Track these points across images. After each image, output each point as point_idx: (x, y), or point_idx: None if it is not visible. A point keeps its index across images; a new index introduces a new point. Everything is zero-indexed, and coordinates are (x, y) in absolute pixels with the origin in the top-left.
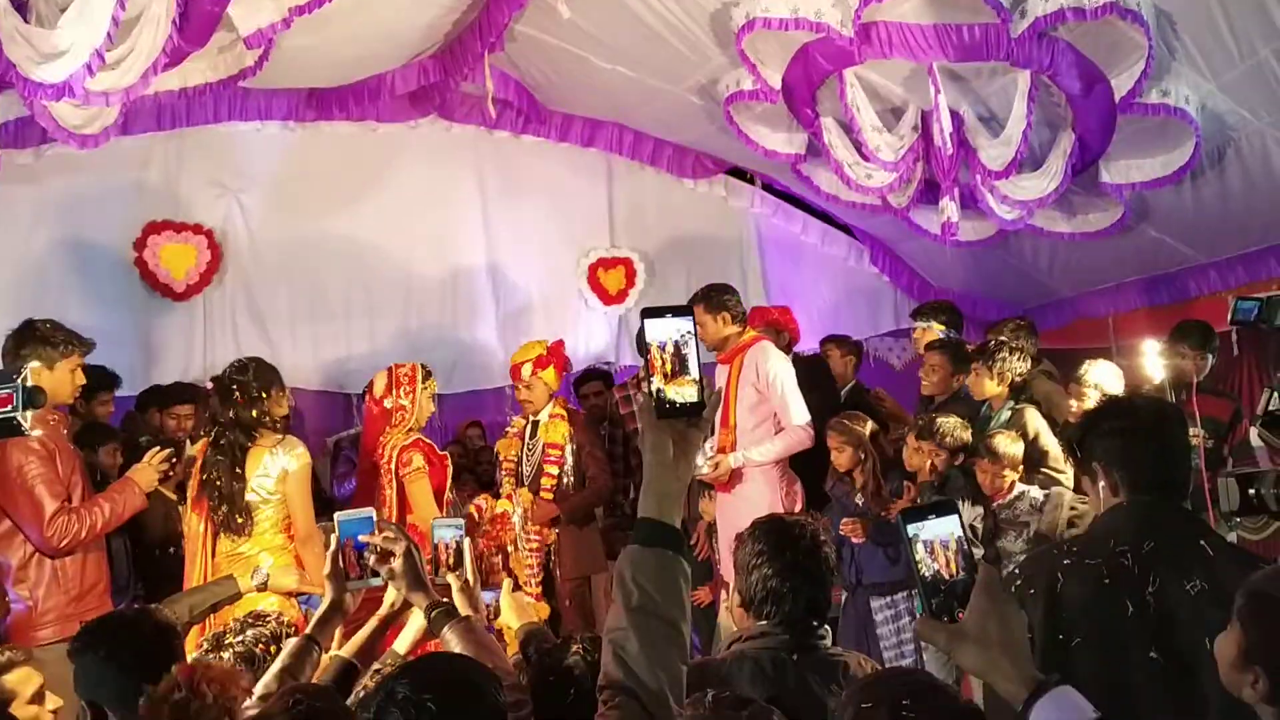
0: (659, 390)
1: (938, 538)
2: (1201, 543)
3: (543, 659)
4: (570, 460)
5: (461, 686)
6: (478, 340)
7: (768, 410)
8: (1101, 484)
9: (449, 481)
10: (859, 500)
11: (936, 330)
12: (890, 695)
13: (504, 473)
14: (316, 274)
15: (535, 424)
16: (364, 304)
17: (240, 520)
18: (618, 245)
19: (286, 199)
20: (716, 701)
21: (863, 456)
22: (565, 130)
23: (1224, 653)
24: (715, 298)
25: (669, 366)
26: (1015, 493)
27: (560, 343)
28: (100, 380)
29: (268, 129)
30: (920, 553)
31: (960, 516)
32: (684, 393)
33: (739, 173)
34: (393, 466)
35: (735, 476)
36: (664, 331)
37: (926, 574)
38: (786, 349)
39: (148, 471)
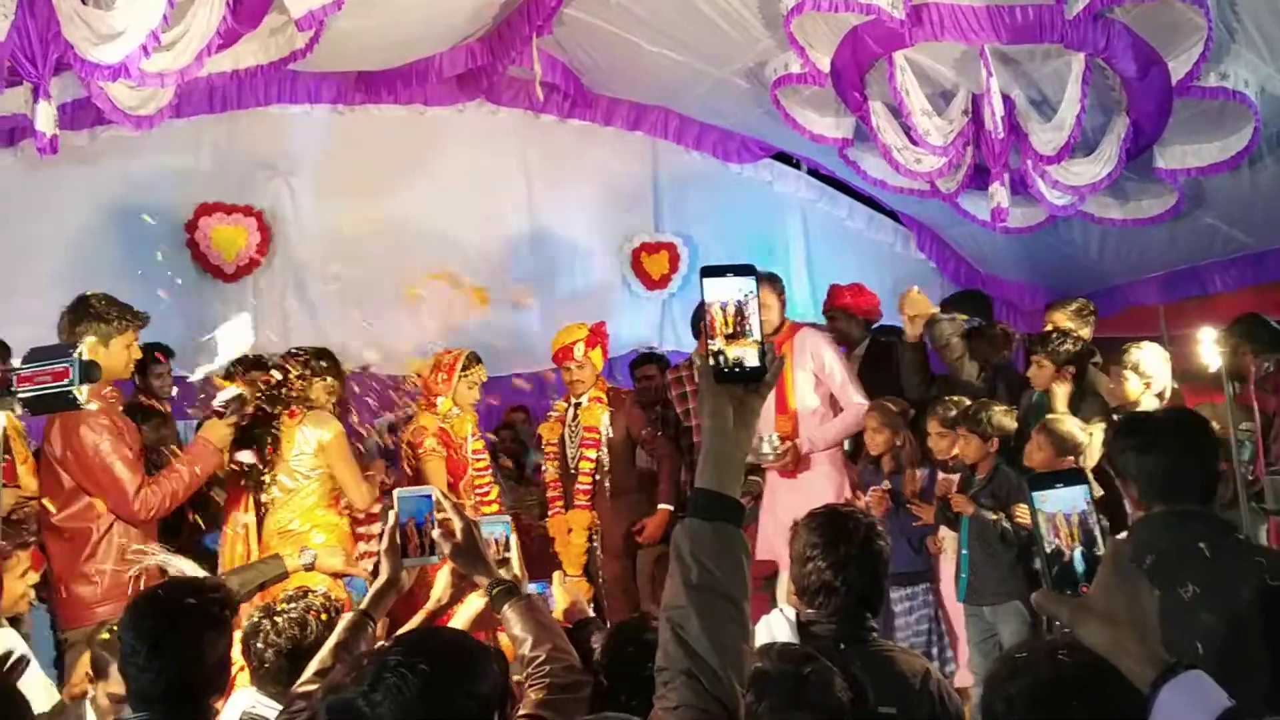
0: (719, 352)
1: (1060, 509)
2: (1200, 545)
3: (620, 630)
4: (605, 443)
5: (456, 652)
6: (521, 324)
7: (824, 393)
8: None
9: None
10: (886, 486)
11: (960, 321)
12: (1048, 646)
13: (547, 457)
14: (363, 256)
15: (577, 407)
16: (410, 286)
17: (271, 465)
18: (662, 230)
19: (335, 182)
20: (782, 654)
21: (899, 443)
22: (611, 114)
23: None
24: (779, 281)
25: (730, 327)
26: None
27: (602, 323)
28: (148, 351)
29: (317, 112)
30: (1042, 523)
31: (1089, 488)
32: (745, 355)
33: (784, 157)
34: (409, 445)
35: (802, 463)
36: (724, 291)
37: (1048, 546)
38: (865, 328)
39: (219, 427)
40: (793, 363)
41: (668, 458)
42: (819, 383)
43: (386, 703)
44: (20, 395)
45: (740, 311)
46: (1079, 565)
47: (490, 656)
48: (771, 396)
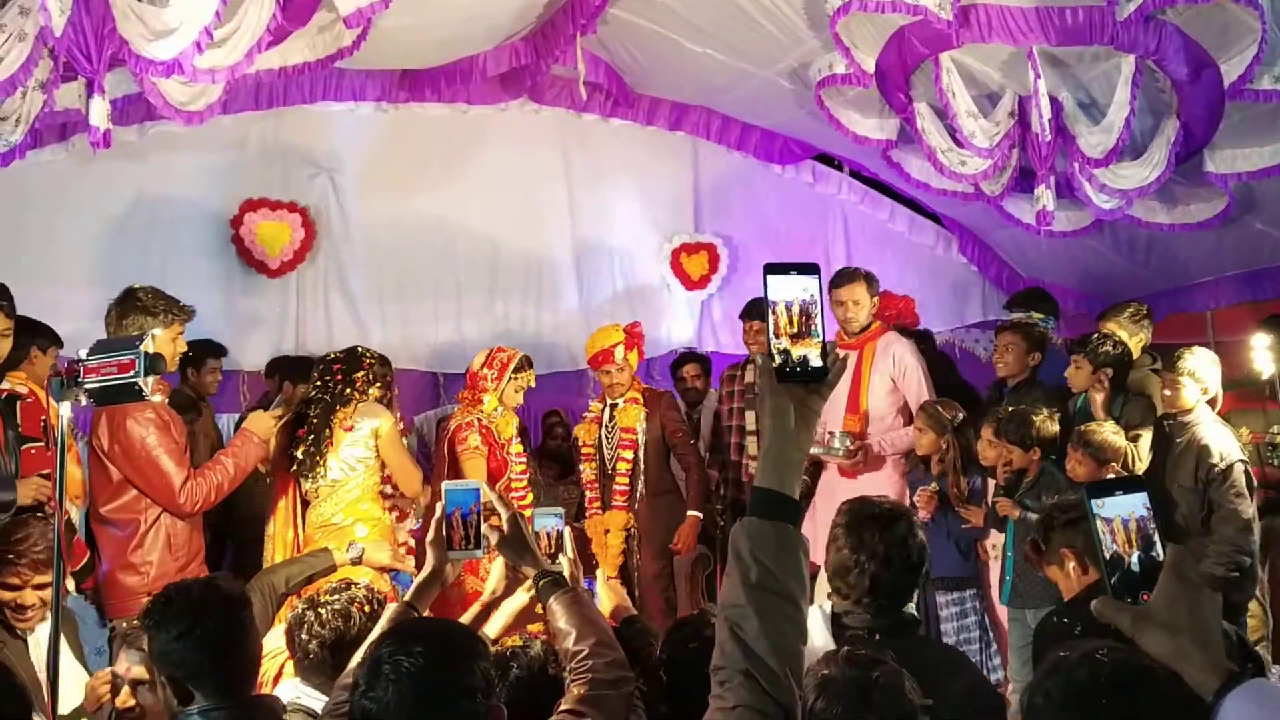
0: (785, 351)
1: (1119, 515)
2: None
3: (681, 627)
4: (642, 444)
5: (446, 633)
6: (560, 323)
7: (898, 399)
8: (1071, 565)
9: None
10: (934, 488)
11: (1035, 320)
12: (1089, 646)
13: (583, 458)
14: (406, 254)
15: (613, 408)
16: (451, 285)
17: (322, 456)
18: (702, 230)
19: (378, 179)
20: (849, 658)
21: (944, 446)
22: (653, 113)
23: None
24: (874, 280)
25: (795, 327)
26: None
27: (636, 324)
28: (207, 349)
29: (362, 109)
30: (1101, 529)
31: (1148, 495)
32: (808, 356)
33: (826, 158)
34: (449, 441)
35: (865, 464)
36: (789, 290)
37: (1107, 552)
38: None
39: (264, 419)
40: (872, 364)
41: (696, 464)
42: (894, 388)
43: (391, 691)
44: (87, 386)
45: (805, 311)
46: (1138, 572)
47: (478, 637)
48: (844, 394)
